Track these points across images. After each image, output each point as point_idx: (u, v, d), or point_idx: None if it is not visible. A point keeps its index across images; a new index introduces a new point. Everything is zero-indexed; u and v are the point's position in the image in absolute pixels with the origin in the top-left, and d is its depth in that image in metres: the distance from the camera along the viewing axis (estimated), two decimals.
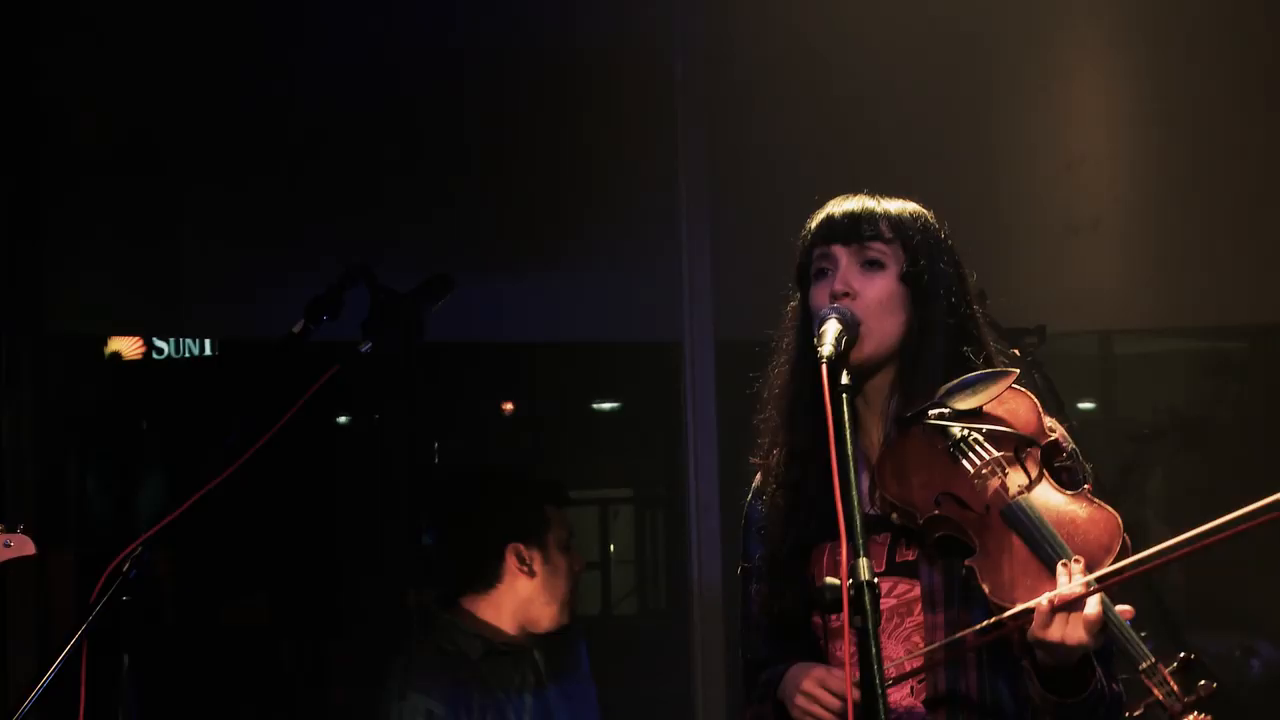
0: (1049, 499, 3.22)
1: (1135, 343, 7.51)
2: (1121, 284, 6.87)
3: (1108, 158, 6.79)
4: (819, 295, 3.35)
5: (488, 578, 4.74)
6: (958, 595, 3.26)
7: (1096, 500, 3.22)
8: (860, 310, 3.29)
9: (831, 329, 3.18)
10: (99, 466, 6.28)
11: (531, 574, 4.74)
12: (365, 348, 3.42)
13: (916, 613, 3.29)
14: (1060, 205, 6.77)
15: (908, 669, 3.27)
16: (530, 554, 4.74)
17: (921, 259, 3.37)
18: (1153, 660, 3.03)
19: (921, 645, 3.28)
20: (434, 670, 4.66)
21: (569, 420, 7.19)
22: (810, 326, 3.34)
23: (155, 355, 6.25)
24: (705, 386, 6.31)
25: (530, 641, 4.76)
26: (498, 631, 4.72)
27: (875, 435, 3.41)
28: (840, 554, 2.88)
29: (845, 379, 3.07)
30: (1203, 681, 3.04)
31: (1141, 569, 3.09)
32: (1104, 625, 3.05)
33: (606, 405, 7.66)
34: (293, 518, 6.62)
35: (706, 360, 6.41)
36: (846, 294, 3.31)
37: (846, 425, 2.98)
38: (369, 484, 7.03)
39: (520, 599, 4.74)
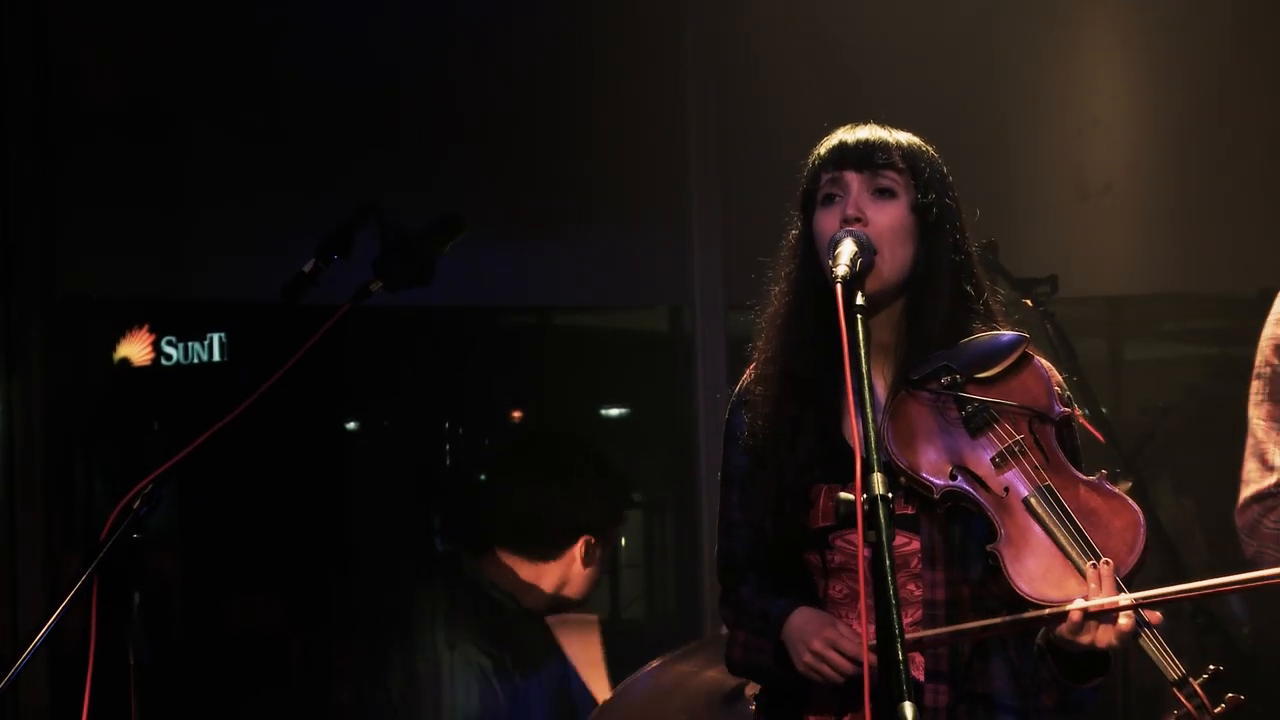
0: (1070, 487, 3.18)
1: (1146, 308, 7.45)
2: (1132, 250, 6.84)
3: (1120, 123, 6.75)
4: (828, 220, 3.31)
5: (549, 551, 4.79)
6: (957, 554, 3.24)
7: (1114, 489, 3.20)
8: (874, 237, 3.26)
9: (847, 249, 3.15)
10: (108, 469, 6.25)
11: (587, 564, 4.80)
12: (377, 286, 3.39)
13: (913, 565, 3.26)
14: (1072, 170, 6.74)
15: (921, 639, 3.23)
16: (595, 549, 4.81)
17: (932, 191, 3.35)
18: (1183, 672, 3.04)
19: (917, 594, 3.26)
20: (477, 623, 4.69)
21: (578, 427, 7.17)
22: (813, 253, 3.31)
23: (164, 361, 6.21)
24: (716, 387, 6.32)
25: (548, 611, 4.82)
26: (532, 596, 4.75)
27: (879, 379, 3.36)
28: (839, 493, 2.91)
29: (860, 300, 3.05)
30: (1230, 694, 3.05)
31: (1182, 596, 3.11)
32: (1136, 633, 3.04)
33: (615, 411, 7.64)
34: (302, 520, 6.58)
35: (718, 359, 6.42)
36: (859, 219, 3.28)
37: (862, 346, 2.95)
38: (379, 490, 7.01)
39: (565, 579, 4.82)
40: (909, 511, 3.26)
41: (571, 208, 6.63)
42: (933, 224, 3.34)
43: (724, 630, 3.58)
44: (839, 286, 3.05)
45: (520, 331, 7.65)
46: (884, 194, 3.33)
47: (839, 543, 3.28)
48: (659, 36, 6.53)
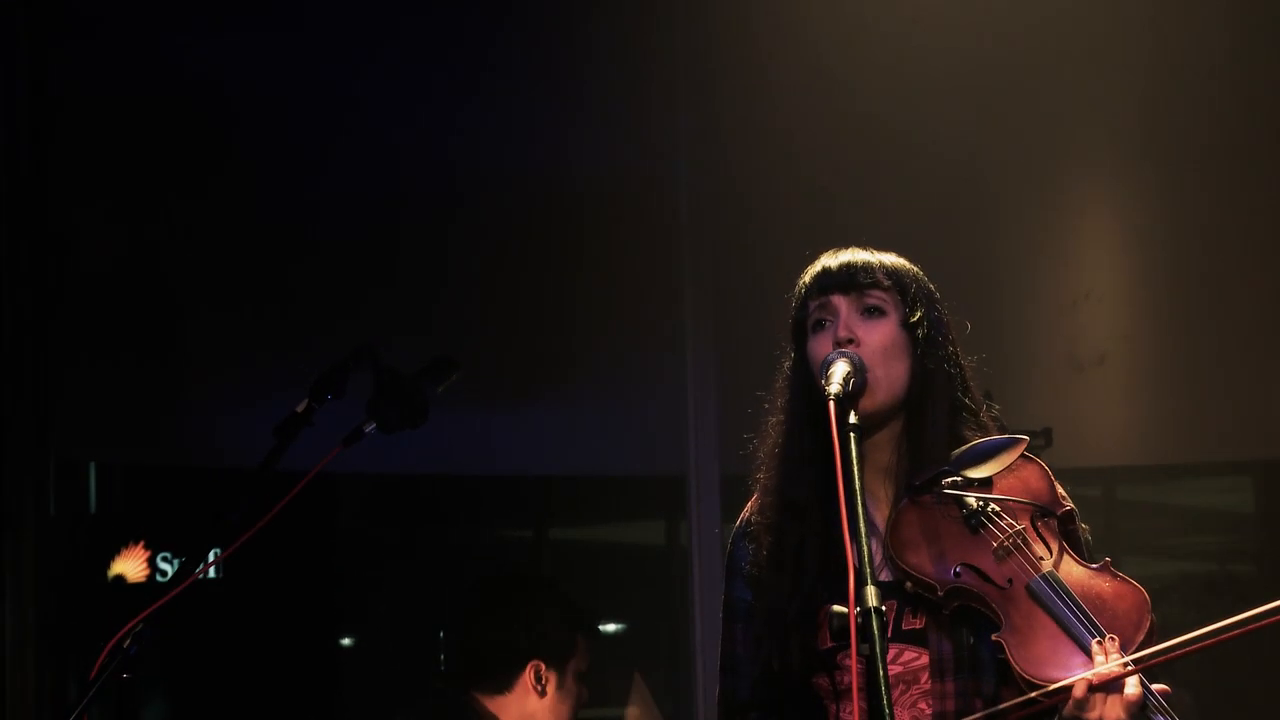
0: (1073, 573, 3.18)
1: (1141, 479, 7.46)
2: (1127, 421, 6.85)
3: (1113, 296, 6.80)
4: (820, 345, 3.31)
5: (500, 683, 4.69)
6: (967, 663, 3.21)
7: (1120, 574, 3.19)
8: (866, 357, 3.26)
9: (840, 369, 3.16)
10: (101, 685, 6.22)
11: (543, 694, 4.69)
12: (370, 428, 3.38)
13: (923, 681, 3.23)
14: (1066, 342, 6.78)
15: None
16: (548, 674, 4.70)
17: (920, 306, 3.36)
18: None
19: (928, 713, 3.22)
20: None
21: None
22: (807, 381, 3.31)
23: (159, 578, 6.21)
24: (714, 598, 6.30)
25: None
26: None
27: (881, 495, 3.35)
28: (832, 608, 2.87)
29: (854, 419, 3.05)
30: None
31: (1183, 651, 3.06)
32: (1143, 705, 3.01)
33: (611, 626, 7.60)
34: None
35: (713, 566, 6.40)
36: (851, 340, 3.29)
37: (855, 463, 2.95)
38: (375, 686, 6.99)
39: (525, 713, 4.70)
40: (917, 625, 3.24)
41: (566, 375, 6.64)
42: (924, 339, 3.34)
43: None
44: (831, 404, 3.05)
45: (511, 546, 7.67)
46: (873, 313, 3.34)
47: (847, 662, 3.25)
48: (657, 202, 6.57)
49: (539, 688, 4.69)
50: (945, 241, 6.45)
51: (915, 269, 3.42)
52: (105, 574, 6.08)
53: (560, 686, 4.74)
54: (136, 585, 6.08)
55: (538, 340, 6.53)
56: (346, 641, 7.24)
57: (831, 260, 3.39)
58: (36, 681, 5.70)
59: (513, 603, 4.83)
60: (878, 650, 2.78)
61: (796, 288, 3.40)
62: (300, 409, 3.37)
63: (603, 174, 6.49)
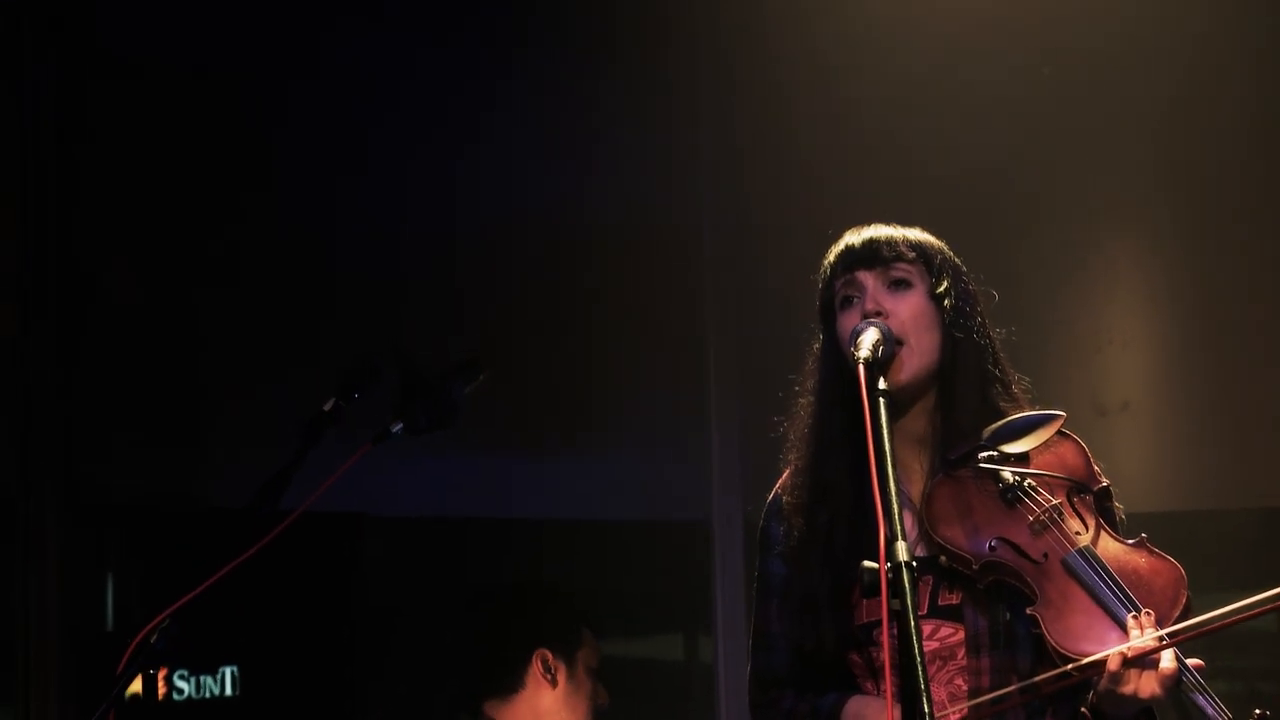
0: (1109, 548, 3.19)
1: (1166, 525, 7.40)
2: (1151, 467, 6.81)
3: (1138, 340, 6.78)
4: (849, 320, 3.33)
5: (511, 682, 4.64)
6: (1003, 639, 3.20)
7: (1157, 551, 3.19)
8: (897, 328, 3.27)
9: (870, 335, 3.17)
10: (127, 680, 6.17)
11: (554, 684, 4.63)
12: (397, 428, 3.39)
13: (960, 657, 3.23)
14: (1089, 388, 6.75)
15: (968, 713, 3.19)
16: (556, 663, 4.65)
17: (946, 277, 3.36)
18: (1229, 716, 2.98)
19: (964, 688, 3.20)
20: None
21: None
22: (838, 359, 3.32)
23: (176, 695, 6.19)
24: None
25: None
26: None
27: (916, 469, 3.36)
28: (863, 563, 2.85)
29: (883, 384, 3.04)
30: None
31: (1220, 625, 3.05)
32: (1179, 680, 2.99)
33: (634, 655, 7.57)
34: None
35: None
36: (879, 313, 3.29)
37: (884, 427, 2.94)
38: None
39: (540, 710, 4.63)
40: (953, 601, 3.23)
41: (590, 425, 6.63)
42: (953, 309, 3.36)
43: None
44: (861, 368, 3.05)
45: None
46: (900, 285, 3.36)
47: (883, 639, 3.23)
48: (680, 245, 6.58)
49: (549, 677, 4.62)
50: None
51: (939, 242, 3.43)
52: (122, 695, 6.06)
53: (571, 677, 4.67)
54: (152, 704, 6.07)
55: (560, 385, 6.52)
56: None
57: (854, 237, 3.42)
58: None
59: (509, 601, 4.80)
60: (909, 604, 2.76)
61: (821, 269, 3.42)
62: (327, 407, 3.37)
63: (624, 218, 6.50)
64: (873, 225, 3.44)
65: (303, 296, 6.25)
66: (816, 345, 3.47)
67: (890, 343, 3.22)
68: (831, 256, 3.45)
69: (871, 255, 3.38)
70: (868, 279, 3.37)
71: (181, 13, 6.09)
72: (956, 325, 3.37)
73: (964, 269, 3.46)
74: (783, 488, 3.48)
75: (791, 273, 6.39)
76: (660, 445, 6.69)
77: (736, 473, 6.56)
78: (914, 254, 3.38)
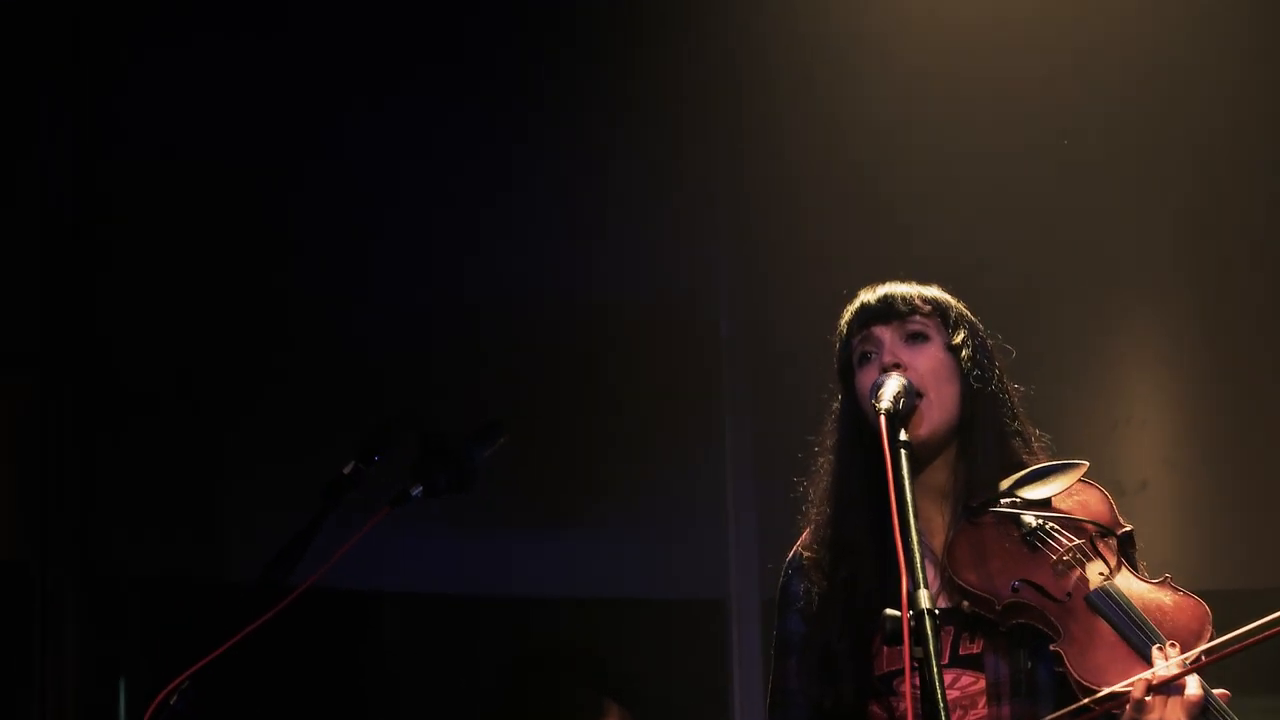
0: (1133, 586, 3.18)
1: None
2: (1171, 546, 6.77)
3: (1155, 418, 6.76)
4: (867, 376, 3.35)
5: None
6: (1024, 687, 3.19)
7: (1181, 589, 3.18)
8: (917, 381, 3.28)
9: (891, 387, 3.18)
10: None
11: None
12: (416, 490, 3.38)
13: (980, 706, 3.21)
14: (1107, 467, 6.73)
15: None
16: None
17: (962, 330, 3.38)
18: None
19: None
20: None
21: None
22: (858, 420, 3.32)
23: None
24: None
25: None
26: None
27: (938, 522, 3.35)
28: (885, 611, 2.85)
29: (904, 436, 3.04)
30: None
31: (1243, 645, 3.03)
32: (1205, 708, 2.98)
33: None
34: None
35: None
36: (897, 365, 3.30)
37: (905, 478, 2.94)
38: None
39: None
40: (974, 650, 3.22)
41: (607, 502, 6.62)
42: (971, 361, 3.37)
43: None
44: (882, 419, 3.05)
45: None
46: (917, 338, 3.38)
47: (903, 689, 3.21)
48: (696, 325, 6.59)
49: None
50: None
51: (953, 299, 3.45)
52: None
53: None
54: None
55: (577, 461, 6.52)
56: None
57: (869, 295, 3.44)
58: None
59: (530, 676, 4.79)
60: (931, 651, 2.75)
61: (837, 329, 3.43)
62: (347, 470, 3.37)
63: (642, 295, 6.51)
64: (887, 283, 3.46)
65: (322, 373, 6.27)
66: (835, 404, 3.47)
67: (911, 395, 3.23)
68: (848, 315, 3.47)
69: (887, 310, 3.40)
70: (885, 333, 3.39)
71: (200, 92, 6.15)
72: (975, 377, 3.38)
73: (979, 324, 3.47)
74: (803, 545, 3.48)
75: (810, 354, 6.44)
76: (677, 523, 6.67)
77: (754, 552, 6.53)
78: (929, 307, 3.41)
